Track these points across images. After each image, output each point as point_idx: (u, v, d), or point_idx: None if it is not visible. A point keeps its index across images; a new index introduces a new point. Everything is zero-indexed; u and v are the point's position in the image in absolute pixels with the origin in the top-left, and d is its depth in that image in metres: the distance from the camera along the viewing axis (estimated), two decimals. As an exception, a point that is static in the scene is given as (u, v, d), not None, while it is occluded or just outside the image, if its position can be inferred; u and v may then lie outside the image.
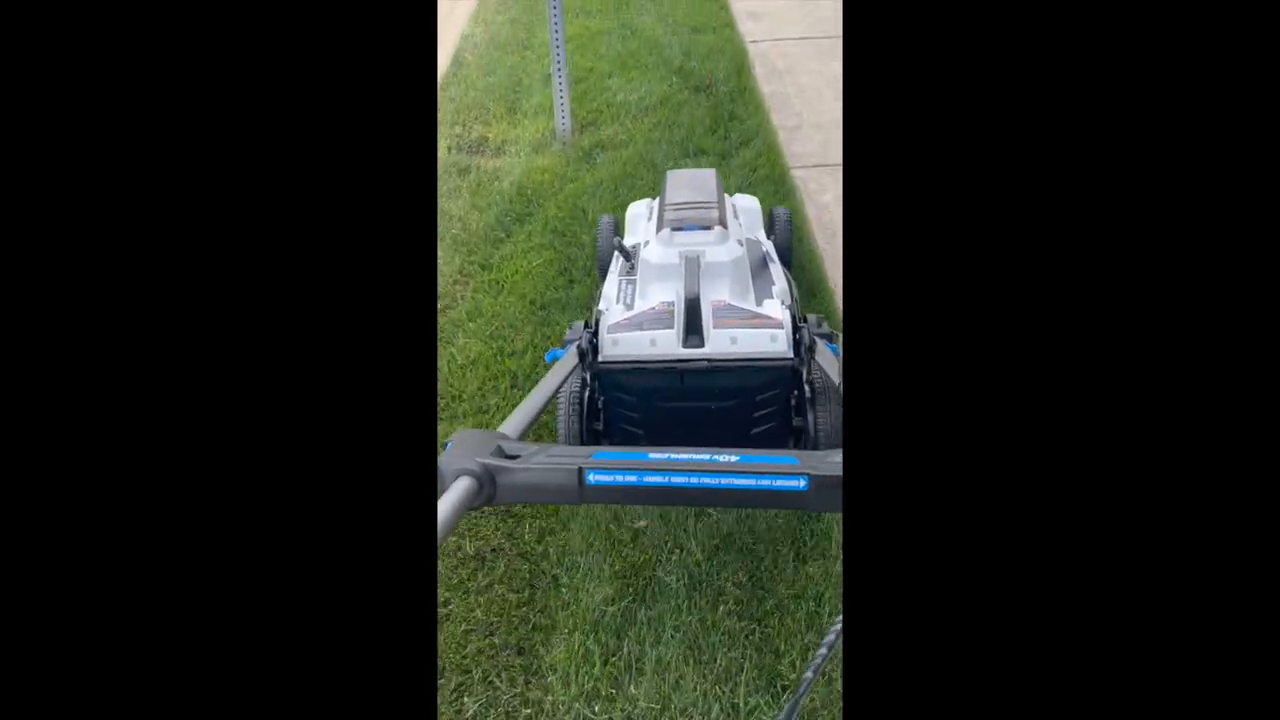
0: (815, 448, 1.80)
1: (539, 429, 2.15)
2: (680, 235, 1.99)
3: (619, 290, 2.03)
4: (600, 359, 1.82)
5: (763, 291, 1.98)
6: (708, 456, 1.06)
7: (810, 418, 1.82)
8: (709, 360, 1.77)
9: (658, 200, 2.31)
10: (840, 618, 0.69)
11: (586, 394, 1.86)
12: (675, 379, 1.79)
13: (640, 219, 2.43)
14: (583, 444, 1.84)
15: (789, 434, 1.90)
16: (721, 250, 1.96)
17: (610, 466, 1.05)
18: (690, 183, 2.24)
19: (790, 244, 2.59)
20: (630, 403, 1.86)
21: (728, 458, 1.05)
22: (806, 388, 1.83)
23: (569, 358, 1.77)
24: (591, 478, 1.05)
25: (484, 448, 1.06)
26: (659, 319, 1.85)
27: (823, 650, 0.79)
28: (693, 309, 1.82)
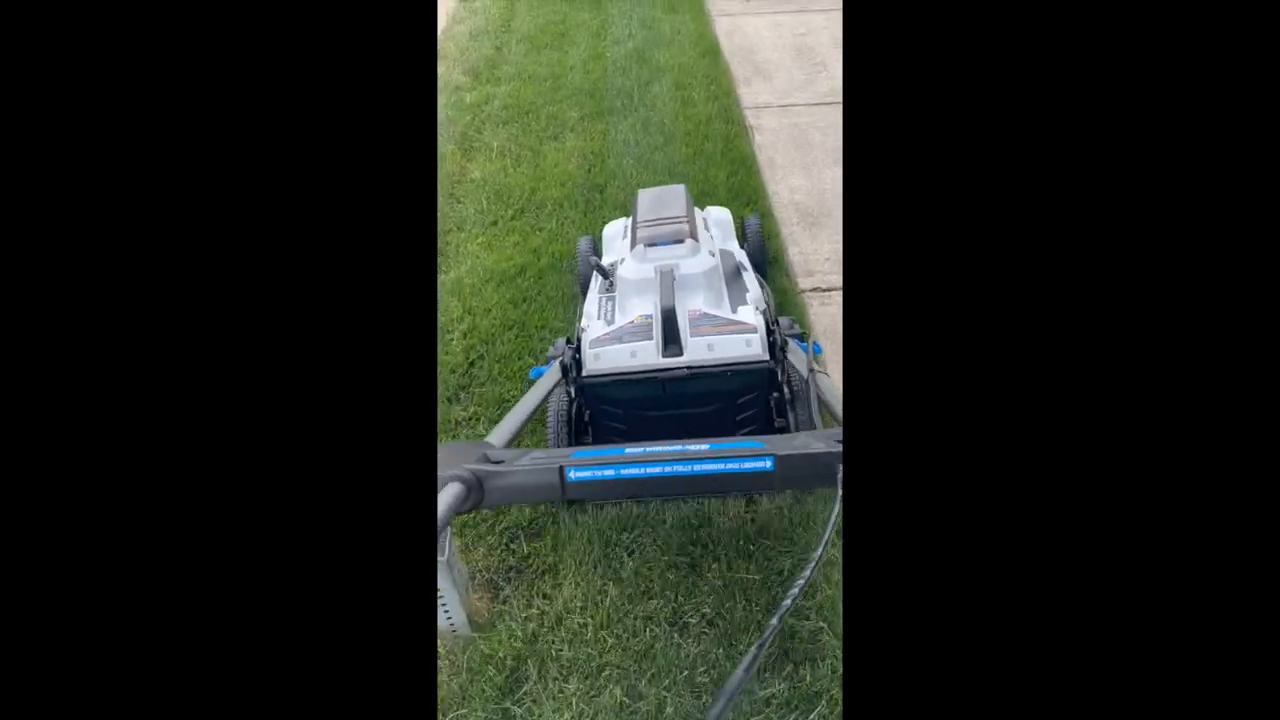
0: None
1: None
2: (654, 250, 2.06)
3: (599, 307, 2.09)
4: (584, 373, 1.87)
5: (737, 299, 2.04)
6: (680, 447, 1.11)
7: (791, 417, 1.86)
8: (688, 367, 1.82)
9: (631, 218, 2.36)
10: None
11: (573, 409, 1.92)
12: (657, 388, 1.85)
13: (616, 238, 2.53)
14: None
15: (773, 434, 1.94)
16: (694, 262, 2.03)
17: (589, 464, 1.10)
18: (660, 199, 2.31)
19: (763, 250, 2.67)
20: (616, 414, 1.93)
21: (699, 446, 1.10)
22: (785, 388, 1.88)
23: (553, 372, 1.85)
24: (572, 475, 1.10)
25: (470, 455, 1.12)
26: (638, 332, 1.90)
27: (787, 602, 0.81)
28: (669, 320, 1.87)
